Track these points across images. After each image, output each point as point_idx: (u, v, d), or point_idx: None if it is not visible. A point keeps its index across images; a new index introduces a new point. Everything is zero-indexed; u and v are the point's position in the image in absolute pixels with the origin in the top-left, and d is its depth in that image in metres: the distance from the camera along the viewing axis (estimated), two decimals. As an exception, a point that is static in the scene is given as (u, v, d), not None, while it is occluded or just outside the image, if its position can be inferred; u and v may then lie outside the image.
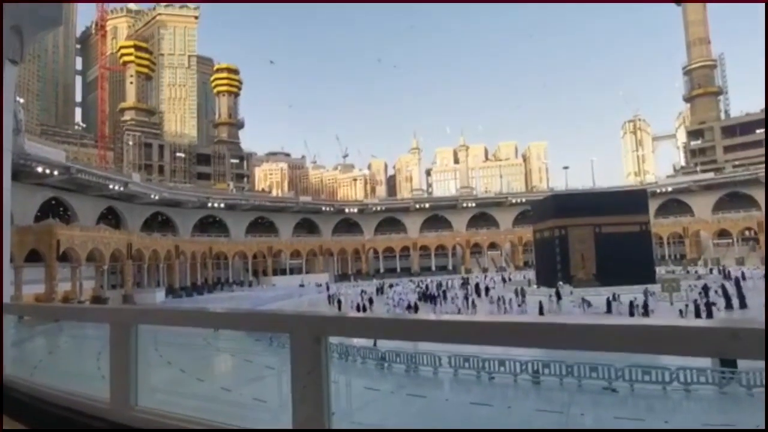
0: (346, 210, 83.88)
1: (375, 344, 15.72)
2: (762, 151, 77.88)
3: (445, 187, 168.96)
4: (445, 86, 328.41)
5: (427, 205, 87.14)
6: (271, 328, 1.65)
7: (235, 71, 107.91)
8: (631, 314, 25.59)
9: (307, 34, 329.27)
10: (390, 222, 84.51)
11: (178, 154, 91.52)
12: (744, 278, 37.67)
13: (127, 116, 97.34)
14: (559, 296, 31.32)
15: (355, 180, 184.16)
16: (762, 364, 12.20)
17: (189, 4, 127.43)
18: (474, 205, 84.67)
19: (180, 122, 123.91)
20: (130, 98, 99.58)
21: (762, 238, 63.01)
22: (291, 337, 1.42)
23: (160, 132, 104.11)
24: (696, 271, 51.07)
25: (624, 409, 12.12)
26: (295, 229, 77.71)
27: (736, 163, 78.02)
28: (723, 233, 67.43)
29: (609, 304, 28.33)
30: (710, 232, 68.10)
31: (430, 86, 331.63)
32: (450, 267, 76.00)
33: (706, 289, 32.44)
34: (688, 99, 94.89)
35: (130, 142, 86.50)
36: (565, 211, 40.76)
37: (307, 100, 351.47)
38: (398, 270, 75.11)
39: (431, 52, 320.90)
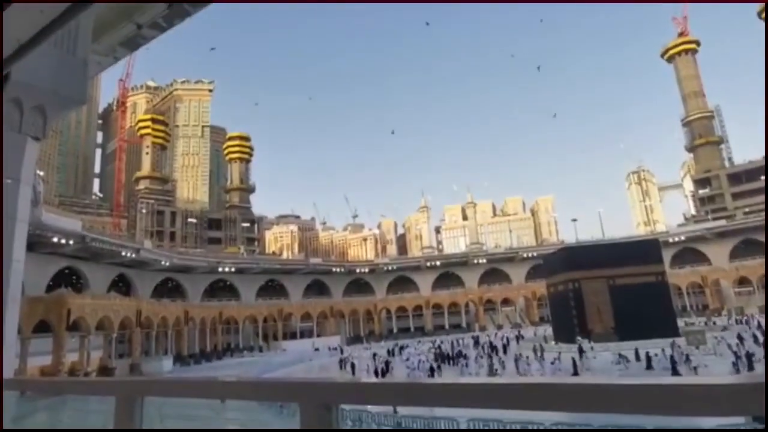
0: (357, 270, 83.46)
1: (395, 410, 15.12)
2: (764, 198, 77.66)
3: (455, 244, 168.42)
4: (451, 145, 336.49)
5: (438, 263, 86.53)
6: (280, 397, 1.57)
7: (247, 138, 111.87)
8: (675, 370, 23.99)
9: (317, 98, 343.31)
10: (401, 281, 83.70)
11: (189, 220, 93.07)
12: None
13: (142, 185, 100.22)
14: (581, 352, 30.14)
15: (365, 240, 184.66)
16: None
17: (204, 79, 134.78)
18: (485, 261, 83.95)
19: (192, 189, 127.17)
20: (145, 168, 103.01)
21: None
22: (300, 407, 1.35)
23: (173, 199, 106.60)
24: (715, 322, 49.39)
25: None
26: (306, 292, 77.08)
27: (747, 209, 77.47)
28: (743, 281, 65.73)
29: (649, 359, 27.15)
30: (730, 281, 66.43)
31: (436, 145, 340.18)
32: (464, 324, 74.18)
33: (741, 338, 31.62)
34: (690, 149, 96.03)
35: (144, 210, 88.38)
36: (577, 263, 40.24)
37: (317, 162, 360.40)
38: (412, 329, 73.42)
39: (436, 113, 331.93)
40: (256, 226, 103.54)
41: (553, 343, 40.93)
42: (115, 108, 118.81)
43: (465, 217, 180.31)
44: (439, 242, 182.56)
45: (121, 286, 55.27)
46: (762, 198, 78.56)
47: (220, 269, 67.37)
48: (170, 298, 61.80)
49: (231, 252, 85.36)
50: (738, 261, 68.21)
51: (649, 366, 26.45)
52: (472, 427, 13.67)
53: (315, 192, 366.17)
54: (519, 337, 46.66)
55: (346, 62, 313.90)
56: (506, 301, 77.61)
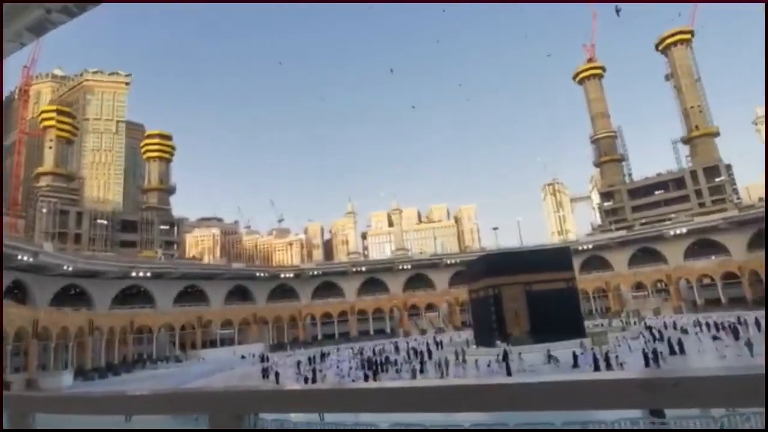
0: (282, 275, 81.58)
1: (321, 417, 14.84)
2: (661, 210, 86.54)
3: (381, 249, 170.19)
4: (378, 152, 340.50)
5: (364, 269, 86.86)
6: (187, 409, 1.44)
7: (168, 137, 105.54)
8: (597, 368, 26.00)
9: (244, 101, 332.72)
10: (327, 287, 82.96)
11: (98, 221, 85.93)
12: (670, 327, 40.62)
13: (43, 182, 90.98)
14: (505, 355, 31.53)
15: (290, 244, 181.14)
16: (689, 412, 12.77)
17: (120, 71, 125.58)
18: (410, 267, 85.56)
19: (103, 188, 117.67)
20: (48, 163, 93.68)
21: (673, 289, 68.37)
22: (210, 417, 1.28)
23: (80, 198, 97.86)
24: (621, 322, 53.91)
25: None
26: (228, 297, 74.01)
27: (643, 221, 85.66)
28: (639, 286, 72.47)
29: (576, 358, 28.80)
30: (628, 285, 72.94)
31: (363, 152, 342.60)
32: (388, 330, 74.96)
33: (653, 337, 34.88)
34: (597, 164, 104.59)
35: (44, 209, 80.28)
36: (496, 270, 42.13)
37: (243, 166, 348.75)
38: (336, 336, 72.96)
39: (364, 121, 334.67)
40: (175, 228, 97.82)
41: (474, 347, 42.49)
42: (16, 97, 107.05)
43: (391, 224, 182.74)
44: (366, 248, 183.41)
45: (17, 293, 49.76)
46: (655, 211, 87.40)
47: (133, 274, 62.80)
48: (73, 306, 56.46)
49: (147, 256, 79.90)
50: (635, 268, 75.13)
51: (575, 365, 28.23)
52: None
53: (240, 196, 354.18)
54: (439, 343, 47.50)
55: (277, 66, 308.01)
56: (430, 307, 79.54)
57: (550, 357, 30.08)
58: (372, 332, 73.83)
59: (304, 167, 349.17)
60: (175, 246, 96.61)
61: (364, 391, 1.21)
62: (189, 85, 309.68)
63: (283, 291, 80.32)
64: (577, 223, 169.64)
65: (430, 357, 37.63)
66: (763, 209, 64.36)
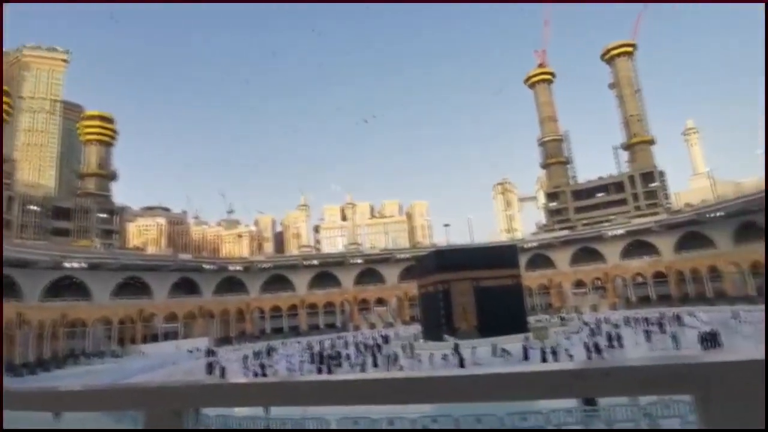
0: (231, 268, 79.49)
1: (267, 411, 14.62)
2: (601, 212, 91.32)
3: (333, 243, 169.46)
4: (332, 145, 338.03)
5: (315, 262, 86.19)
6: (122, 406, 1.35)
7: (109, 119, 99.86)
8: (544, 360, 27.32)
9: (195, 88, 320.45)
10: (277, 280, 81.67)
11: (30, 207, 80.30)
12: (607, 322, 43.16)
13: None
14: (456, 348, 32.34)
15: (240, 236, 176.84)
16: (619, 400, 13.61)
17: (58, 47, 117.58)
18: (361, 261, 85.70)
19: (36, 171, 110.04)
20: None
21: (609, 287, 72.36)
22: (145, 414, 1.22)
23: (11, 182, 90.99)
24: (562, 318, 56.43)
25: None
26: (173, 290, 71.28)
27: (585, 221, 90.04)
28: (579, 283, 76.18)
29: (526, 351, 29.94)
30: (569, 283, 76.51)
31: (318, 144, 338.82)
32: (338, 324, 74.88)
33: (592, 332, 37.34)
34: (544, 166, 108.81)
35: (-32, 193, 74.00)
36: (446, 266, 42.90)
37: (193, 155, 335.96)
38: (285, 329, 72.07)
39: (318, 112, 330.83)
40: (116, 217, 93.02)
41: (422, 341, 43.19)
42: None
43: (344, 218, 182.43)
44: (318, 241, 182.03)
45: (-69, 282, 45.65)
46: (596, 212, 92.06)
47: (67, 264, 59.16)
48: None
49: (82, 245, 75.49)
50: (576, 266, 78.87)
51: (526, 357, 29.31)
52: (342, 427, 13.80)
53: (189, 186, 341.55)
54: (385, 337, 47.71)
55: (232, 55, 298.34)
56: (380, 301, 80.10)
57: (503, 350, 31.16)
58: (322, 326, 73.49)
59: (256, 159, 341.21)
60: (115, 235, 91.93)
61: (311, 384, 1.17)
62: (138, 71, 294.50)
63: (231, 284, 78.33)
64: (524, 222, 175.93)
65: (380, 351, 37.91)
66: (689, 215, 69.38)
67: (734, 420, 0.79)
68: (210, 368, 37.12)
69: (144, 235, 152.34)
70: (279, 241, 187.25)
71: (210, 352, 48.95)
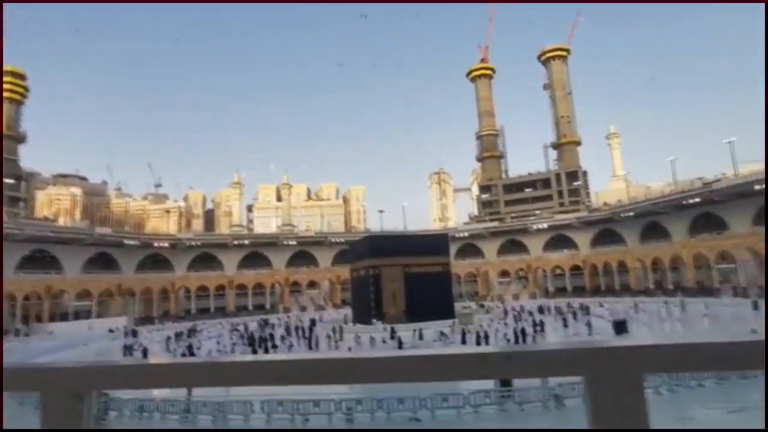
0: (156, 244, 75.51)
1: (189, 393, 14.21)
2: (528, 206, 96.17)
3: (267, 224, 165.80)
4: (272, 122, 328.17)
5: (246, 242, 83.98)
6: (16, 387, 1.22)
7: (21, 75, 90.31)
8: (478, 343, 28.65)
9: (128, 51, 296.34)
10: (205, 259, 78.77)
11: None
12: (527, 310, 46.11)
13: None
14: (393, 332, 33.10)
15: (168, 212, 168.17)
16: (532, 381, 14.64)
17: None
18: (295, 243, 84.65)
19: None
20: None
21: (531, 277, 76.75)
22: (41, 396, 1.12)
23: None
24: (486, 305, 59.16)
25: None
26: (88, 265, 66.60)
27: (514, 215, 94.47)
28: (504, 273, 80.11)
29: (464, 335, 31.22)
30: (495, 272, 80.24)
31: (255, 120, 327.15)
32: (268, 306, 73.74)
33: (515, 318, 39.98)
34: (479, 159, 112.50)
35: None
36: (378, 252, 43.50)
37: (118, 121, 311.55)
38: (212, 310, 69.86)
39: (258, 89, 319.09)
40: (23, 183, 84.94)
41: (351, 324, 43.66)
42: None
43: (279, 198, 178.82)
44: (251, 221, 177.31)
45: None
46: (524, 206, 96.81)
47: (-37, 233, 53.36)
48: None
49: (-17, 212, 68.30)
50: (502, 257, 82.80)
51: (463, 341, 30.44)
52: (265, 408, 13.75)
53: (111, 153, 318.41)
54: (314, 320, 47.18)
55: (168, 22, 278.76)
56: (312, 284, 79.72)
57: (441, 333, 32.30)
58: (251, 307, 72.05)
59: (190, 131, 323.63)
60: (22, 204, 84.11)
61: (238, 365, 1.12)
62: (65, 30, 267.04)
63: (155, 261, 74.52)
64: (457, 211, 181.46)
65: (311, 333, 37.88)
66: (605, 214, 75.06)
67: (617, 399, 0.88)
68: (128, 350, 35.26)
69: (55, 204, 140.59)
70: (209, 218, 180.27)
71: (132, 332, 46.44)
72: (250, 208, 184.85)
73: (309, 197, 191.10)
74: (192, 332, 43.68)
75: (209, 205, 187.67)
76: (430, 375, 0.96)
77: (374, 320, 39.63)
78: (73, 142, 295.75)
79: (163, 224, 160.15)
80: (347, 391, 13.87)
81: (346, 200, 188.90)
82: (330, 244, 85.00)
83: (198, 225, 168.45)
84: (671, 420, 12.83)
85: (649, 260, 63.26)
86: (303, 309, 71.90)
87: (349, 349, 29.98)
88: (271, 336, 36.85)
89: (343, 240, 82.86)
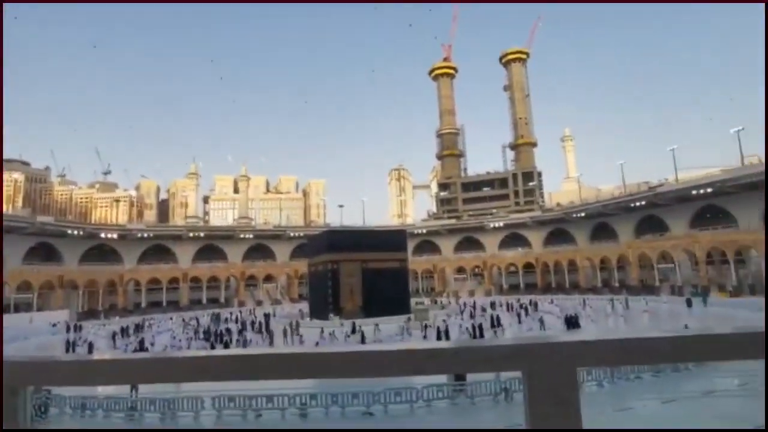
0: (103, 235, 72.17)
1: (133, 390, 13.75)
2: (486, 205, 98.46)
3: (223, 216, 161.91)
4: (230, 113, 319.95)
5: (202, 234, 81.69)
6: None
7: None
8: (438, 338, 29.11)
9: (75, 30, 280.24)
10: (158, 251, 76.07)
11: None
12: (476, 306, 46.97)
13: None
14: (354, 327, 33.09)
15: (117, 201, 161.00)
16: (486, 376, 15.08)
17: None
18: (252, 236, 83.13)
19: None
20: None
21: (486, 274, 78.62)
22: None
23: None
24: (440, 301, 60.19)
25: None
26: (29, 256, 62.92)
27: (471, 212, 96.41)
28: (460, 270, 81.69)
29: (426, 329, 31.48)
30: (452, 269, 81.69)
31: (213, 110, 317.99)
32: (222, 300, 72.12)
33: (470, 314, 41.05)
34: (439, 157, 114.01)
35: None
36: (337, 246, 43.43)
37: (64, 103, 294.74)
38: (164, 304, 67.60)
39: (216, 77, 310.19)
40: (-44, 167, 79.20)
41: (308, 319, 43.41)
42: None
43: (237, 190, 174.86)
44: (207, 213, 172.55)
45: None
46: (481, 205, 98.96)
47: None
48: None
49: None
50: (459, 254, 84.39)
51: (424, 336, 30.70)
52: (216, 405, 13.51)
53: (56, 138, 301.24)
54: (271, 314, 46.26)
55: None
56: (269, 278, 78.58)
57: (404, 329, 32.63)
58: (205, 301, 70.25)
59: (144, 118, 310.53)
60: (-44, 188, 78.44)
61: (188, 360, 1.07)
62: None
63: (102, 252, 71.27)
64: (416, 208, 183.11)
65: (267, 328, 37.36)
66: (558, 214, 77.87)
67: (553, 392, 0.92)
68: (71, 345, 33.60)
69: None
70: (163, 209, 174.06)
71: (76, 327, 44.23)
72: (206, 200, 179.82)
73: (268, 190, 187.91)
74: (139, 328, 41.89)
75: (163, 196, 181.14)
76: (389, 370, 0.97)
77: (331, 315, 39.57)
78: (14, 125, 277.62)
79: (112, 214, 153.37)
80: (301, 386, 13.82)
81: (305, 194, 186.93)
82: (288, 238, 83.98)
83: (150, 216, 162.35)
84: (611, 410, 13.56)
85: (597, 259, 66.15)
86: (259, 303, 70.78)
87: (317, 344, 29.85)
88: (228, 330, 36.09)
89: (301, 234, 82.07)
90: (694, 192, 56.12)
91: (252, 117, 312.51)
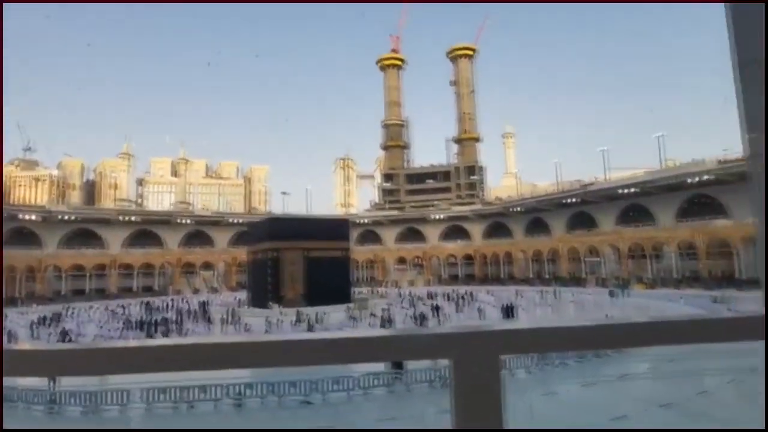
0: (21, 216, 66.58)
1: (53, 383, 12.91)
2: (429, 197, 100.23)
3: (160, 200, 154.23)
4: (168, 90, 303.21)
5: (135, 218, 77.39)
6: None
7: None
8: (383, 326, 29.44)
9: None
10: (84, 235, 71.19)
11: None
12: (413, 295, 47.98)
13: None
14: (299, 316, 32.80)
15: (37, 180, 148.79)
16: (423, 363, 15.47)
17: None
18: (190, 222, 79.84)
19: None
20: None
21: (427, 265, 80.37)
22: None
23: None
24: (381, 291, 60.89)
25: (318, 420, 13.31)
26: (-71, 237, 56.96)
27: (413, 204, 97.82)
28: (401, 260, 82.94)
29: (371, 316, 31.98)
30: (393, 259, 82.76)
31: (150, 86, 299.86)
32: (157, 287, 68.98)
33: (410, 303, 41.70)
34: (384, 148, 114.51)
35: None
36: (279, 234, 42.82)
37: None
38: (89, 291, 63.62)
39: (153, 55, 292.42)
40: None
41: (246, 307, 42.52)
42: None
43: (175, 173, 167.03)
44: (141, 196, 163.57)
45: None
46: (424, 197, 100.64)
47: None
48: None
49: None
50: (401, 244, 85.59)
51: (383, 325, 30.81)
52: (145, 397, 13.00)
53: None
54: (203, 303, 44.12)
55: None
56: (207, 265, 76.00)
57: (351, 317, 32.97)
58: (137, 289, 66.88)
59: (74, 93, 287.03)
60: None
61: (117, 351, 0.99)
62: None
63: (20, 236, 65.78)
64: (360, 198, 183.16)
65: (205, 317, 36.17)
66: (498, 208, 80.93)
67: (477, 379, 0.95)
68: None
69: None
70: (91, 191, 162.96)
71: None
72: (141, 183, 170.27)
73: (208, 174, 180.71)
74: (57, 317, 38.60)
75: (91, 176, 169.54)
76: (330, 358, 0.97)
77: (271, 303, 39.00)
78: None
79: (32, 194, 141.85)
80: (237, 376, 13.58)
81: (248, 180, 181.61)
82: (228, 225, 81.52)
83: (75, 197, 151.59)
84: (538, 395, 14.41)
85: (531, 252, 69.46)
86: (196, 291, 68.38)
87: (266, 331, 29.29)
88: (165, 320, 34.62)
89: (242, 221, 79.86)
90: (620, 191, 60.18)
91: (192, 98, 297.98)
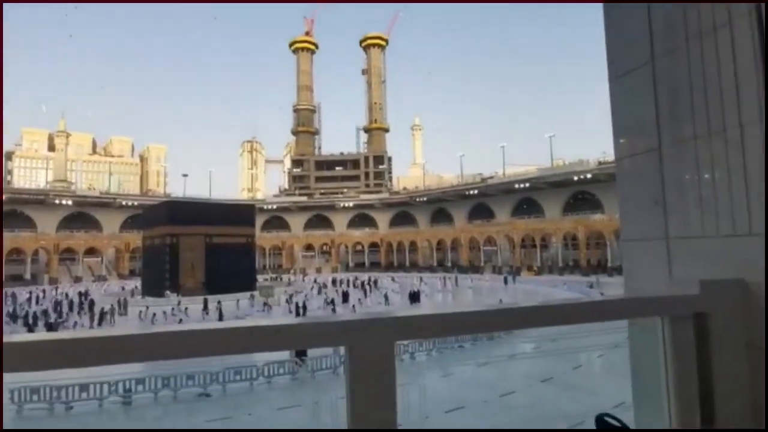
0: None
1: None
2: (337, 184, 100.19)
3: (33, 177, 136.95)
4: (49, 56, 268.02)
5: None
6: None
7: None
8: (297, 314, 28.37)
9: None
10: (-67, 214, 61.11)
11: None
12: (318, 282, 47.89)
13: None
14: (206, 304, 31.19)
15: None
16: (326, 351, 15.52)
17: None
18: (71, 203, 71.81)
19: None
20: None
21: (334, 252, 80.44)
22: None
23: None
24: (288, 279, 59.91)
25: (216, 411, 12.81)
26: None
27: (322, 191, 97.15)
28: (309, 247, 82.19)
29: (302, 306, 31.12)
30: (300, 246, 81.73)
31: (28, 51, 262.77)
32: (28, 276, 61.42)
33: (318, 290, 42.28)
34: (294, 133, 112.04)
35: None
36: (178, 218, 40.30)
37: None
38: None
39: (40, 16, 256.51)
40: None
41: (140, 297, 39.53)
42: None
43: (53, 148, 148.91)
44: (9, 171, 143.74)
45: None
46: (333, 184, 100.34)
47: None
48: None
49: None
50: (309, 231, 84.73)
51: (298, 314, 29.67)
52: (15, 398, 11.60)
53: None
54: (84, 293, 39.07)
55: None
56: (92, 251, 69.12)
57: (264, 304, 32.12)
58: (3, 278, 58.88)
59: None
60: None
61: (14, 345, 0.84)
62: None
63: None
64: (267, 183, 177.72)
65: (91, 308, 32.77)
66: (403, 197, 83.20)
67: (371, 365, 0.98)
68: None
69: None
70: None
71: None
72: (9, 156, 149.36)
73: (95, 151, 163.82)
74: None
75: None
76: (227, 348, 0.96)
77: (168, 292, 36.62)
78: None
79: None
80: (125, 371, 12.61)
81: (143, 159, 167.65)
82: (120, 207, 74.76)
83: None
84: (437, 376, 15.20)
85: (435, 241, 72.51)
86: (77, 280, 61.96)
87: (180, 321, 27.22)
88: (45, 312, 30.88)
89: (136, 203, 73.69)
90: (515, 186, 64.90)
91: (78, 64, 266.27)
